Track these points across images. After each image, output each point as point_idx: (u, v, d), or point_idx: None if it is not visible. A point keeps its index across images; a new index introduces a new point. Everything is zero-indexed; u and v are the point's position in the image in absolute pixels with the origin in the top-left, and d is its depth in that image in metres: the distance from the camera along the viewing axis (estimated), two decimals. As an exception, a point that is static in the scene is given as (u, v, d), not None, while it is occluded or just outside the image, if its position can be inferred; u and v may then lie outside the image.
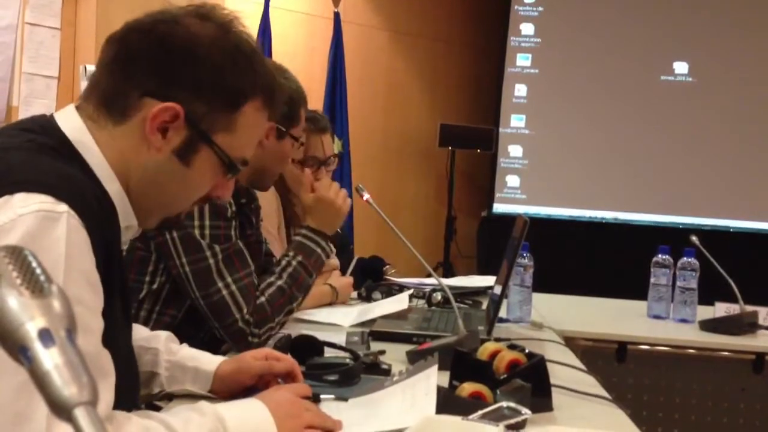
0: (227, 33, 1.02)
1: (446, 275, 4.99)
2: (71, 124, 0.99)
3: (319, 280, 2.28)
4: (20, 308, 0.48)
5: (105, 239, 0.92)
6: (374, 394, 1.27)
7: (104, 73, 1.01)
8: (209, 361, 1.26)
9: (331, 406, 1.23)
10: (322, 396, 1.16)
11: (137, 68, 0.99)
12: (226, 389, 1.25)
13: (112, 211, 0.99)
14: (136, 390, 1.13)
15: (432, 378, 1.18)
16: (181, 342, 1.50)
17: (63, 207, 0.85)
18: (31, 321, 0.48)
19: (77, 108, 1.01)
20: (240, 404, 1.09)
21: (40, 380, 0.47)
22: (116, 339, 0.97)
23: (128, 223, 1.04)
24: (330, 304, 2.23)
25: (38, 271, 0.51)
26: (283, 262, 1.68)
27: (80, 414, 0.46)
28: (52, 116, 1.01)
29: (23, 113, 3.80)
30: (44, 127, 0.99)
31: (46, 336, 0.48)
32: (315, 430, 1.07)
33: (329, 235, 1.78)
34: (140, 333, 1.26)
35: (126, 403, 1.00)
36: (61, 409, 0.46)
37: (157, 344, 1.26)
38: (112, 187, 0.99)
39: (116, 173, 0.99)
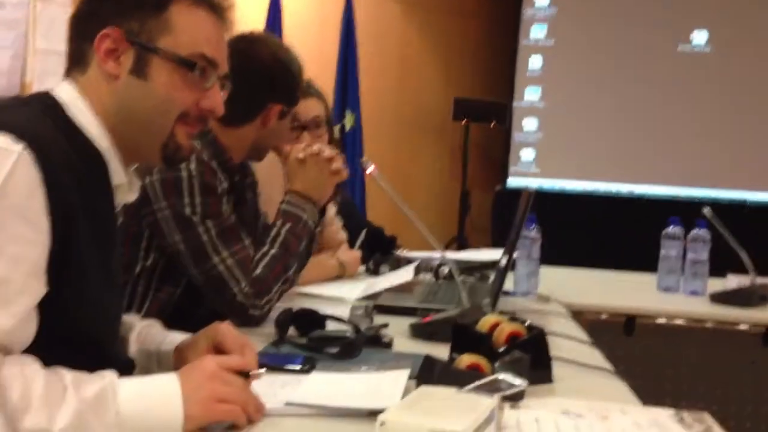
0: None
1: (461, 250, 4.98)
2: (65, 91, 1.09)
3: (326, 253, 2.29)
4: None
5: (78, 187, 0.99)
6: (339, 375, 1.25)
7: (67, 45, 1.13)
8: (170, 341, 1.23)
9: (291, 378, 1.22)
10: (252, 372, 1.06)
11: (80, 24, 1.11)
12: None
13: (98, 167, 1.07)
14: (108, 341, 1.12)
15: (402, 378, 1.17)
16: (182, 318, 1.50)
17: (18, 147, 0.94)
18: None
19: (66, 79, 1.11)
20: (152, 375, 1.04)
21: None
22: (85, 285, 1.01)
23: (119, 180, 1.11)
24: (337, 278, 2.24)
25: None
26: (273, 232, 1.67)
27: None
28: (50, 89, 1.10)
29: (37, 89, 3.82)
30: (41, 95, 1.09)
31: None
32: (229, 405, 1.00)
33: (316, 200, 1.73)
34: (123, 318, 1.26)
35: (95, 353, 1.03)
36: None
37: (129, 334, 1.24)
38: (102, 144, 1.08)
39: (103, 125, 1.08)
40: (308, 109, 2.20)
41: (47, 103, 1.07)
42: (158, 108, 1.10)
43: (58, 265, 0.97)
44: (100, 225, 1.05)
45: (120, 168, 1.11)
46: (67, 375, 0.94)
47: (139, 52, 1.08)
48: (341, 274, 2.25)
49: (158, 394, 0.97)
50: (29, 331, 0.95)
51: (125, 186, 1.14)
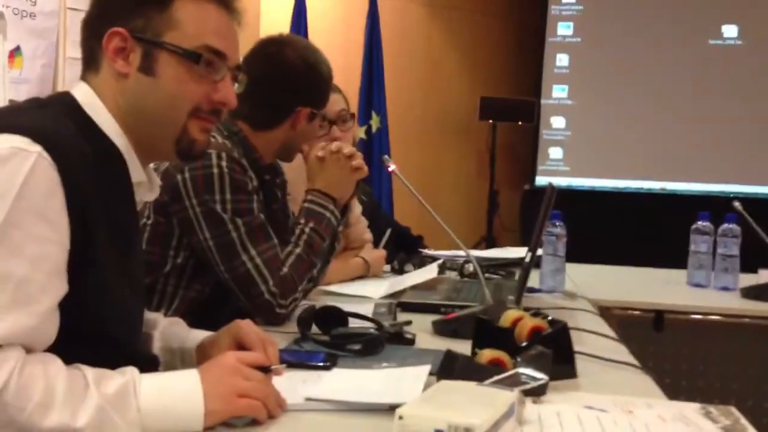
0: None
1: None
2: (82, 92, 1.11)
3: (351, 253, 2.30)
4: None
5: (97, 187, 1.00)
6: (359, 371, 1.25)
7: (81, 48, 1.14)
8: (193, 338, 1.24)
9: (312, 375, 1.22)
10: (272, 367, 1.07)
11: (90, 26, 1.13)
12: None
13: (117, 165, 1.09)
14: (130, 339, 1.13)
15: (422, 373, 1.17)
16: (209, 317, 1.51)
17: (36, 148, 0.95)
18: None
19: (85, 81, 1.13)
20: (173, 371, 1.06)
21: None
22: (104, 284, 1.02)
23: (139, 178, 1.13)
24: (362, 277, 2.24)
25: None
26: (297, 231, 1.68)
27: None
28: (68, 91, 1.12)
29: (67, 98, 3.87)
30: (61, 96, 1.12)
31: None
32: (250, 400, 1.01)
33: (337, 198, 1.74)
34: (146, 316, 1.27)
35: (117, 351, 1.04)
36: None
37: (153, 331, 1.25)
38: (120, 141, 1.10)
39: (120, 124, 1.10)
40: (333, 103, 2.17)
41: (67, 103, 1.09)
42: (168, 103, 1.10)
43: (78, 264, 0.98)
44: (119, 224, 1.06)
45: (139, 166, 1.12)
46: (89, 372, 0.95)
47: (146, 48, 1.09)
48: (365, 273, 2.25)
49: (179, 389, 0.98)
50: (51, 329, 0.96)
51: (145, 184, 1.15)
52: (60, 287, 0.96)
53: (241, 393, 1.00)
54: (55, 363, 0.94)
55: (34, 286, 0.93)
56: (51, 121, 1.02)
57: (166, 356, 1.24)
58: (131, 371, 0.98)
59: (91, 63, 1.12)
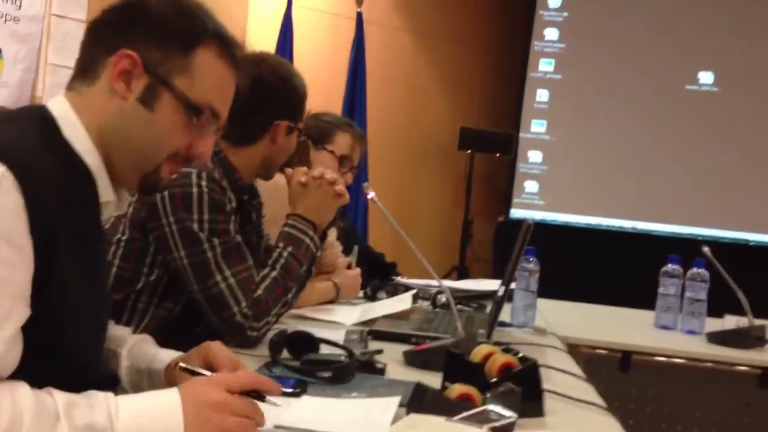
0: None
1: (461, 279, 4.97)
2: (58, 105, 1.08)
3: (323, 276, 2.30)
4: None
5: (63, 206, 0.98)
6: (329, 399, 1.25)
7: (80, 50, 1.11)
8: (161, 359, 1.22)
9: (281, 401, 1.18)
10: (269, 397, 1.04)
11: (101, 34, 1.10)
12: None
13: (86, 183, 1.06)
14: (92, 359, 1.11)
15: (392, 405, 1.17)
16: (179, 336, 1.50)
17: (1, 168, 0.92)
18: None
19: (66, 92, 1.11)
20: (151, 393, 1.02)
21: None
22: (68, 301, 1.00)
23: (108, 198, 1.10)
24: (332, 301, 2.23)
25: None
26: (275, 255, 1.68)
27: None
28: (44, 105, 1.09)
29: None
30: (34, 109, 1.09)
31: None
32: None
33: (317, 224, 1.75)
34: (114, 332, 1.25)
35: (77, 371, 1.02)
36: None
37: (120, 349, 1.23)
38: (92, 160, 1.07)
39: (95, 141, 1.07)
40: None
41: (40, 117, 1.05)
42: (154, 140, 1.09)
43: (42, 282, 0.96)
44: (84, 243, 1.03)
45: (109, 185, 1.10)
46: (60, 399, 0.92)
47: (152, 82, 1.07)
48: (335, 297, 2.25)
49: (159, 424, 0.95)
50: (16, 354, 0.93)
51: (113, 202, 1.13)
52: (23, 311, 0.94)
53: (223, 431, 0.98)
54: (23, 389, 0.91)
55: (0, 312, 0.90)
56: (17, 137, 0.99)
57: (134, 377, 1.22)
58: (106, 400, 0.95)
59: (87, 71, 1.09)
